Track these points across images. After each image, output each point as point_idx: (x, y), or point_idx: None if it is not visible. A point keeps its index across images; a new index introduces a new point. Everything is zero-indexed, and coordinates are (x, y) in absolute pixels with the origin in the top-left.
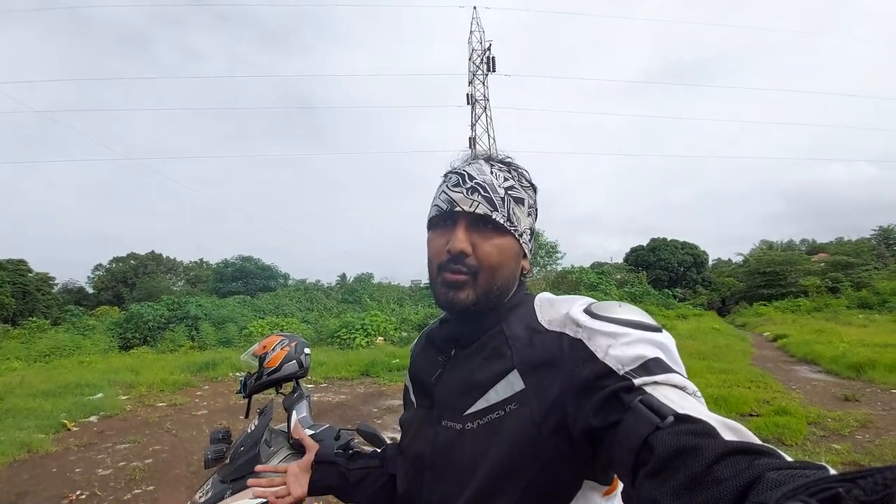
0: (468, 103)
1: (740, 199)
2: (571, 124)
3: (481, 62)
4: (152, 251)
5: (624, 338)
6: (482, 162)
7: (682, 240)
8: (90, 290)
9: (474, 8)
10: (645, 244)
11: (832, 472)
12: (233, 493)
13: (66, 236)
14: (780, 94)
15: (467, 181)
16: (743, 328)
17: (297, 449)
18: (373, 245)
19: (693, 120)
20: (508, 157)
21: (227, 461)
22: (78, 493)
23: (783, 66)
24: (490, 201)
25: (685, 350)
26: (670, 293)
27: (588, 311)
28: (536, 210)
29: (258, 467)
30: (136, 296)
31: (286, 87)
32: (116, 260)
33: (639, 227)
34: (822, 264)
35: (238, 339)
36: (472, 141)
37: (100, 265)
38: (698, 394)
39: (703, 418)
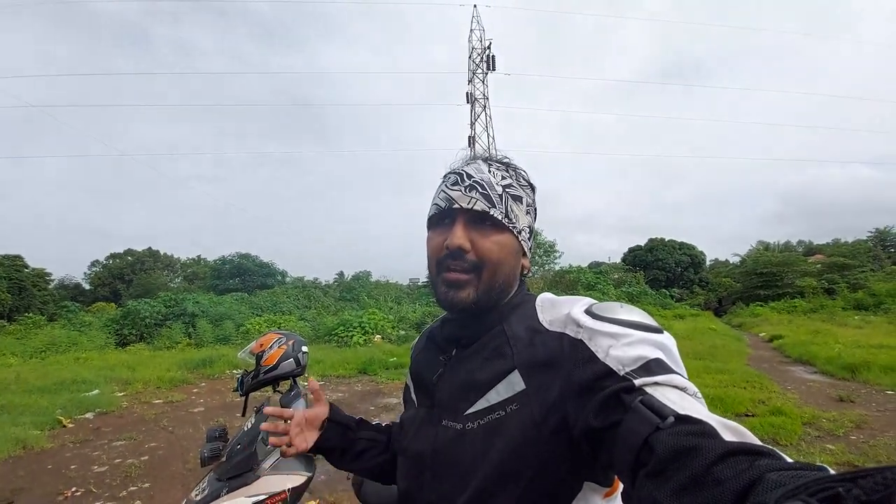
0: (468, 102)
1: (737, 200)
2: (570, 123)
3: (481, 61)
4: (149, 248)
5: (625, 338)
6: (480, 162)
7: (679, 240)
8: (87, 287)
9: (474, 6)
10: (643, 244)
11: (832, 473)
12: (229, 492)
13: (62, 232)
14: (778, 95)
15: (465, 180)
16: (739, 328)
17: None
18: (371, 243)
19: (691, 120)
20: (507, 158)
21: (224, 459)
22: (73, 489)
23: (781, 67)
24: (488, 198)
25: (682, 350)
26: (667, 293)
27: (589, 312)
28: (535, 210)
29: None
30: (133, 292)
31: (285, 85)
32: (113, 256)
33: (636, 227)
34: (819, 266)
35: (235, 337)
36: (472, 140)
37: (96, 261)
38: (699, 395)
39: (704, 419)
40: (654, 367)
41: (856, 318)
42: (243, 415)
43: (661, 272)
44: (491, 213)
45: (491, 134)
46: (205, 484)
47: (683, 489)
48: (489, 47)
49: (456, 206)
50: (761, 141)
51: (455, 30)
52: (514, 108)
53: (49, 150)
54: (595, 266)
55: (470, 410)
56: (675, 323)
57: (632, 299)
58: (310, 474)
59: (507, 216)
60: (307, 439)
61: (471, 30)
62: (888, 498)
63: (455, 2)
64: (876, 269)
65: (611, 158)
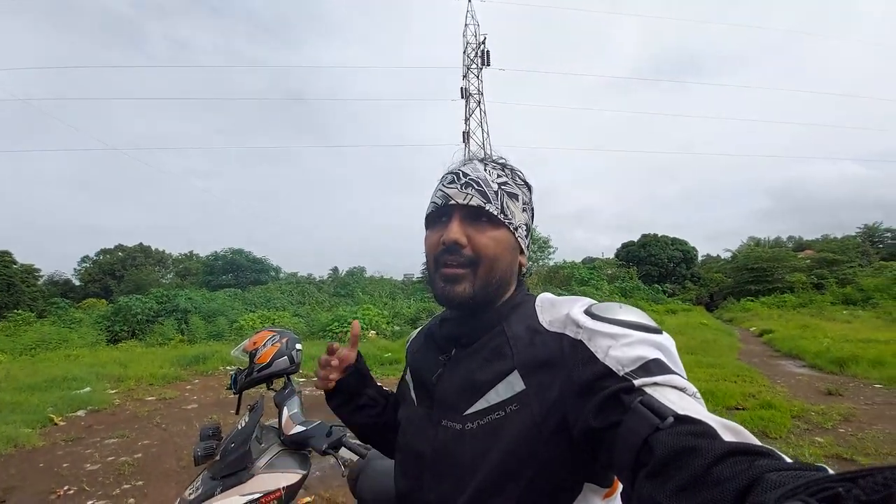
0: (462, 97)
1: (729, 196)
2: (564, 120)
3: (475, 56)
4: (141, 243)
5: (624, 339)
6: (476, 162)
7: (672, 236)
8: (77, 283)
9: (469, 0)
10: (636, 240)
11: (832, 473)
12: (223, 491)
13: (51, 227)
14: (769, 92)
15: (461, 178)
16: (730, 323)
17: (289, 444)
18: (365, 239)
19: (683, 117)
20: (502, 158)
21: (218, 458)
22: (66, 488)
23: (774, 64)
24: (483, 194)
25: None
26: (660, 288)
27: (588, 312)
28: (532, 208)
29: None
30: (125, 288)
31: (277, 79)
32: (104, 252)
33: (630, 223)
34: (808, 261)
35: (229, 333)
36: (466, 135)
37: (87, 257)
38: (698, 395)
39: (703, 419)
40: (653, 367)
41: (844, 312)
42: (237, 413)
43: (654, 268)
44: (487, 208)
45: (485, 129)
46: (198, 483)
47: (683, 489)
48: (484, 42)
49: (452, 202)
50: (753, 137)
51: (449, 25)
52: (508, 104)
53: (38, 144)
54: (589, 261)
55: (470, 410)
56: (667, 318)
57: (625, 294)
58: (304, 472)
59: (502, 212)
60: (332, 378)
61: (465, 24)
62: (888, 498)
63: None
64: (864, 265)
65: (604, 154)
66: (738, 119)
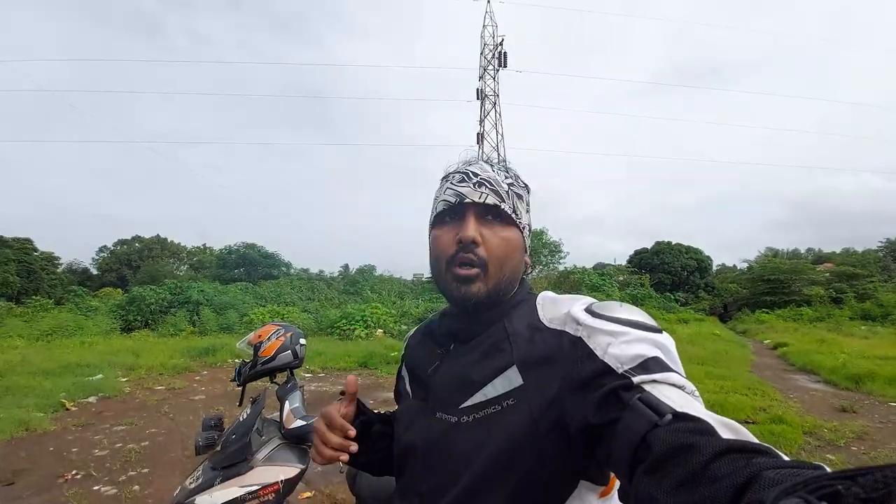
0: (478, 98)
1: (745, 206)
2: (580, 123)
3: (493, 57)
4: (157, 235)
5: (623, 336)
6: (482, 162)
7: (686, 244)
8: (94, 271)
9: (488, 1)
10: (649, 247)
11: (830, 471)
12: (223, 481)
13: (72, 217)
14: (788, 100)
15: (472, 177)
16: (744, 335)
17: (289, 438)
18: (376, 237)
19: (701, 123)
20: (503, 160)
21: (219, 448)
22: (74, 472)
23: (794, 72)
24: (497, 193)
25: (684, 355)
26: (672, 297)
27: (589, 310)
28: (531, 209)
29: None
30: (140, 279)
31: (295, 77)
32: (121, 242)
33: (643, 230)
34: (827, 274)
35: (239, 326)
36: (480, 137)
37: (105, 247)
38: (696, 393)
39: (702, 417)
40: (652, 365)
41: (862, 328)
42: (240, 405)
43: (667, 276)
44: (502, 206)
45: (500, 131)
46: (199, 472)
47: (681, 486)
48: (501, 44)
49: (467, 200)
50: (770, 146)
51: (467, 25)
52: (524, 106)
53: (60, 134)
54: (600, 267)
55: (465, 404)
56: (679, 327)
57: (636, 302)
58: (303, 466)
59: (514, 211)
60: (339, 457)
61: (483, 25)
62: (888, 496)
63: None
64: (885, 280)
65: (619, 160)
66: (755, 127)
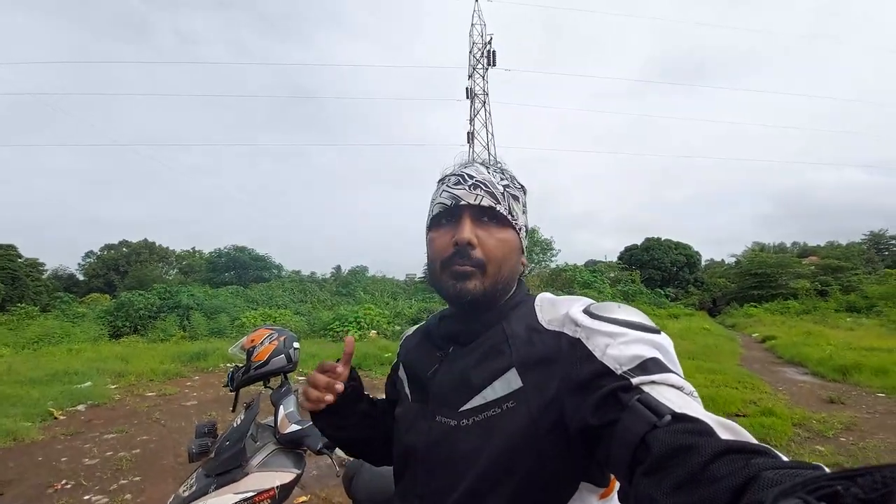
0: (467, 97)
1: (733, 201)
2: (569, 122)
3: (482, 56)
4: (145, 239)
5: (622, 338)
6: (478, 164)
7: (675, 240)
8: (81, 277)
9: (476, 0)
10: (639, 243)
11: (829, 471)
12: (217, 488)
13: (56, 222)
14: (775, 97)
15: (468, 179)
16: (732, 329)
17: (284, 443)
18: (368, 238)
19: (689, 120)
20: (500, 162)
21: (212, 455)
22: (63, 482)
23: (779, 69)
24: (492, 195)
25: (675, 350)
26: (663, 292)
27: (587, 312)
28: (527, 210)
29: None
30: (128, 284)
31: (281, 77)
32: (108, 247)
33: (633, 226)
34: (813, 267)
35: (230, 330)
36: (471, 136)
37: (91, 252)
38: (695, 394)
39: (701, 417)
40: (650, 366)
41: (848, 320)
42: (233, 410)
43: (657, 271)
44: (497, 208)
45: (490, 130)
46: (193, 480)
47: (680, 487)
48: (490, 42)
49: (463, 202)
50: (757, 142)
51: (456, 24)
52: (513, 105)
53: (43, 138)
54: (591, 264)
55: (465, 407)
56: (670, 322)
57: (627, 298)
58: (299, 471)
59: (510, 213)
60: (326, 401)
61: (472, 24)
62: (887, 496)
63: None
64: (869, 272)
65: (608, 157)
66: (742, 123)
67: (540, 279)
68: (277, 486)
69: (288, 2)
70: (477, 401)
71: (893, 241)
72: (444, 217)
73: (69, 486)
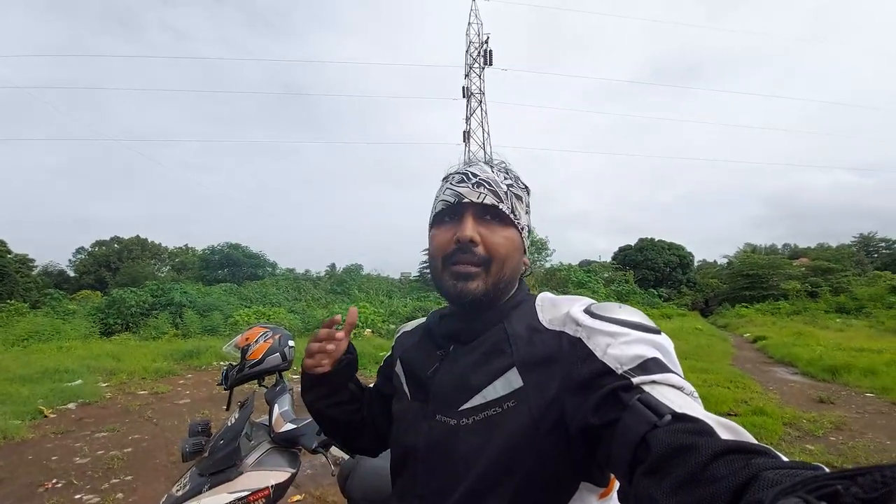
0: (464, 96)
1: (725, 202)
2: (564, 121)
3: (478, 55)
4: (137, 235)
5: (623, 337)
6: (482, 163)
7: (669, 240)
8: (71, 274)
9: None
10: (633, 244)
11: (829, 471)
12: (211, 488)
13: (47, 217)
14: (765, 99)
15: (472, 178)
16: (724, 329)
17: (279, 442)
18: (363, 236)
19: (683, 121)
20: (504, 162)
21: (206, 454)
22: (54, 481)
23: (770, 72)
24: (496, 194)
25: None
26: (656, 293)
27: (588, 311)
28: (530, 211)
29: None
30: (119, 281)
31: (276, 73)
32: (99, 243)
33: (627, 227)
34: (803, 269)
35: (223, 328)
36: (467, 135)
37: (82, 248)
38: (695, 394)
39: (701, 417)
40: (651, 366)
41: (837, 321)
42: (227, 409)
43: (650, 272)
44: (500, 207)
45: (486, 129)
46: (186, 479)
47: (680, 486)
48: (486, 42)
49: (466, 200)
50: (749, 144)
51: (453, 23)
52: (509, 104)
53: (34, 133)
54: (585, 264)
55: (465, 406)
56: (663, 322)
57: (621, 298)
58: (294, 470)
59: (513, 212)
60: (325, 364)
61: (469, 23)
62: (887, 496)
63: None
64: (859, 274)
65: (603, 157)
66: (734, 125)
67: (535, 279)
68: (272, 486)
69: (283, 1)
70: (477, 400)
71: (883, 244)
72: (447, 214)
73: (60, 485)
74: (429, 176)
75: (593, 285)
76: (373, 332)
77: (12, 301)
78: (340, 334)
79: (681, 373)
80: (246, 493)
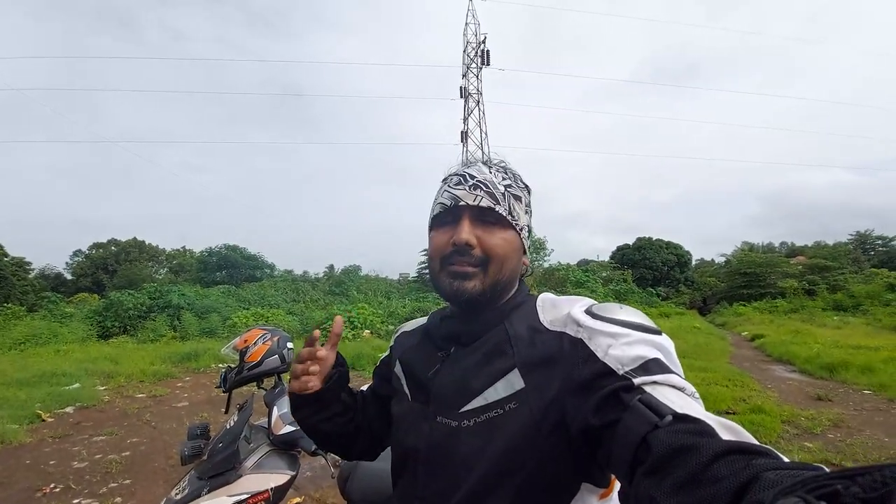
0: (461, 97)
1: (723, 201)
2: (561, 121)
3: (476, 55)
4: (134, 237)
5: (624, 338)
6: (480, 164)
7: (666, 239)
8: (68, 277)
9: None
10: (631, 243)
11: (829, 472)
12: (210, 491)
13: (43, 220)
14: (763, 98)
15: (469, 179)
16: (722, 327)
17: (278, 445)
18: (361, 237)
19: (680, 121)
20: (503, 161)
21: (205, 457)
22: (52, 485)
23: (768, 71)
24: (492, 196)
25: None
26: (654, 292)
27: (589, 312)
28: (531, 210)
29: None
30: (117, 283)
31: (273, 74)
32: (97, 246)
33: (625, 226)
34: (800, 267)
35: (222, 330)
36: (464, 135)
37: (79, 251)
38: (696, 395)
39: (702, 418)
40: (652, 366)
41: (835, 318)
42: (226, 412)
43: (649, 271)
44: (496, 209)
45: (484, 129)
46: (185, 483)
47: (681, 487)
48: (484, 42)
49: (462, 203)
50: (747, 143)
51: (451, 23)
52: (507, 104)
53: (30, 135)
54: (583, 264)
55: (466, 408)
56: (661, 321)
57: (619, 297)
58: (293, 473)
59: (510, 213)
60: (312, 387)
61: (466, 23)
62: (887, 495)
63: None
64: (856, 272)
65: (601, 157)
66: (732, 124)
67: (533, 279)
68: (272, 488)
69: (280, 1)
70: (478, 402)
71: (879, 241)
72: (445, 217)
73: (58, 489)
74: (427, 176)
75: (592, 285)
76: (371, 332)
77: (9, 304)
78: (323, 352)
79: (682, 373)
80: (245, 496)
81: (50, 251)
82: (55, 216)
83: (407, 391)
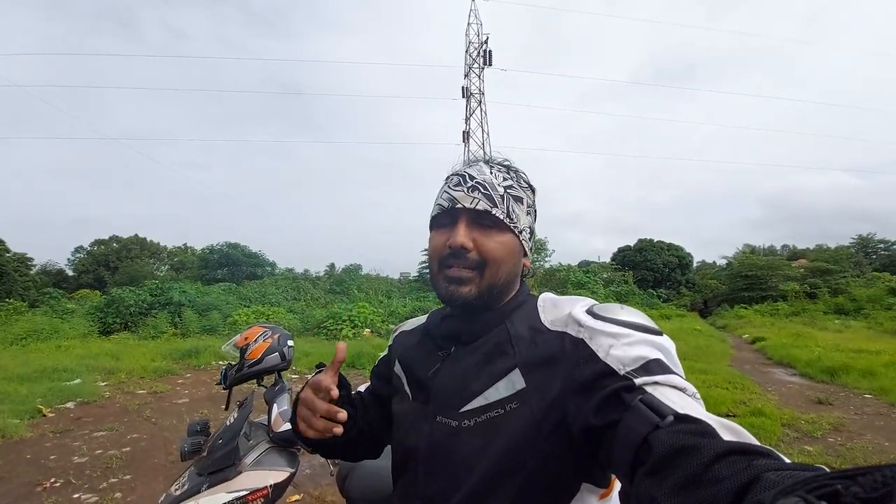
0: (463, 97)
1: (724, 203)
2: (563, 122)
3: (478, 55)
4: (136, 235)
5: (625, 338)
6: (482, 164)
7: (668, 241)
8: (70, 273)
9: (473, 0)
10: (632, 244)
11: (829, 472)
12: (209, 487)
13: (46, 216)
14: (764, 100)
15: (468, 181)
16: (723, 330)
17: (278, 442)
18: (362, 236)
19: (682, 122)
20: (507, 160)
21: (205, 454)
22: (52, 480)
23: (768, 73)
24: (490, 198)
25: None
26: (655, 293)
27: (590, 312)
28: (535, 211)
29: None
30: (118, 280)
31: (276, 73)
32: (98, 242)
33: (626, 227)
34: (802, 270)
35: (222, 327)
36: (466, 135)
37: (81, 247)
38: (697, 395)
39: (703, 419)
40: (653, 367)
41: (836, 322)
42: (226, 409)
43: (649, 272)
44: (493, 212)
45: (486, 130)
46: (185, 479)
47: (681, 487)
48: (486, 42)
49: (459, 205)
50: (747, 145)
51: (453, 23)
52: (509, 105)
53: (33, 132)
54: (584, 265)
55: (467, 407)
56: (662, 323)
57: (620, 298)
58: (293, 470)
59: (508, 216)
60: (336, 432)
61: (468, 23)
62: (887, 496)
63: None
64: (857, 275)
65: (603, 158)
66: (733, 127)
67: (534, 279)
68: (271, 485)
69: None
70: (479, 401)
71: (881, 245)
72: (443, 218)
73: (58, 484)
74: (428, 176)
75: (592, 286)
76: (372, 331)
77: (11, 300)
78: (336, 391)
79: (682, 374)
80: (244, 493)
81: (52, 247)
82: (58, 213)
83: (408, 391)
